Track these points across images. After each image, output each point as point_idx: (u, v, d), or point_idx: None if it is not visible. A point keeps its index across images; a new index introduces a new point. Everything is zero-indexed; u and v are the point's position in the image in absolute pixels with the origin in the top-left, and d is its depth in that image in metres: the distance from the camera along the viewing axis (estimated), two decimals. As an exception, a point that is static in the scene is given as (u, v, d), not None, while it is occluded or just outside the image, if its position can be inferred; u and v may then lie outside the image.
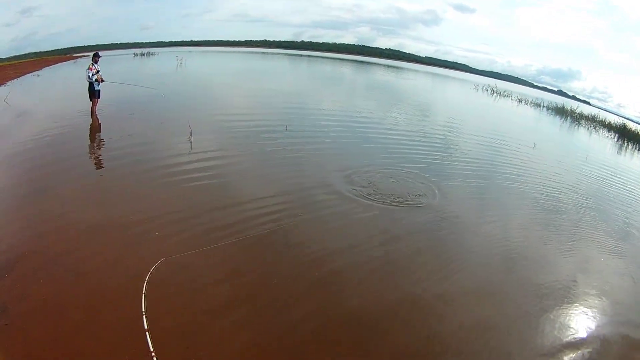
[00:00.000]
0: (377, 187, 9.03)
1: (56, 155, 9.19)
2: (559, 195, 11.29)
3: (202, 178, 8.57)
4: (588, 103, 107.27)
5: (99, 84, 12.74)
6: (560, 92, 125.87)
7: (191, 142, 10.93)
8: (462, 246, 7.34)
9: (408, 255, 6.66)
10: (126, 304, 4.45)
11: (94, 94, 12.83)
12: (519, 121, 31.33)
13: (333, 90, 29.97)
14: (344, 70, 56.22)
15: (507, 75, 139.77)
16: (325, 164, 10.64)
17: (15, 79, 25.33)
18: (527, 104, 47.35)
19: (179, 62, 33.10)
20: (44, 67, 36.09)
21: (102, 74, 12.76)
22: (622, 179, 15.82)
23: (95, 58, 12.76)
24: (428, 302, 5.42)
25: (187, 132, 11.54)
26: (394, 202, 8.41)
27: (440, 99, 37.62)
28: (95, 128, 12.11)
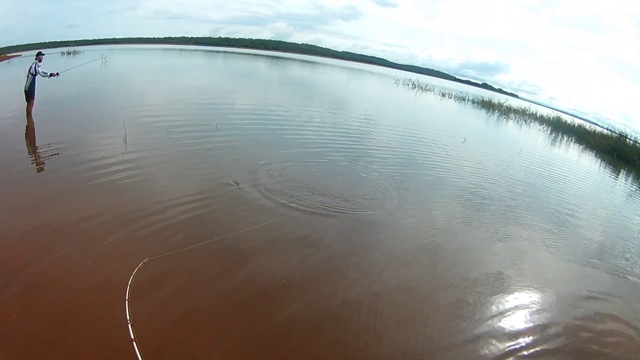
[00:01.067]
0: (295, 179, 10.19)
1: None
2: (496, 189, 12.78)
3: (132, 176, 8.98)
4: (516, 96, 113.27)
5: (35, 85, 12.82)
6: (484, 85, 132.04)
7: (126, 143, 11.36)
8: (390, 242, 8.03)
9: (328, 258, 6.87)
10: (101, 314, 4.53)
11: (31, 95, 12.79)
12: (445, 115, 32.91)
13: (248, 85, 31.25)
14: (259, 66, 56.98)
15: (428, 69, 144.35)
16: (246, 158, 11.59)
17: None
18: (451, 97, 49.28)
19: (104, 61, 33.09)
20: None
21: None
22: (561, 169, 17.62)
23: (39, 57, 12.91)
24: (360, 301, 5.72)
25: (122, 133, 11.85)
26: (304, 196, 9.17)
27: (358, 93, 39.23)
28: (30, 130, 12.19)
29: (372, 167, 12.68)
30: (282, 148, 13.17)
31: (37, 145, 11.07)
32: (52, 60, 39.07)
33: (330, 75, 58.15)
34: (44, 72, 12.68)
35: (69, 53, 50.30)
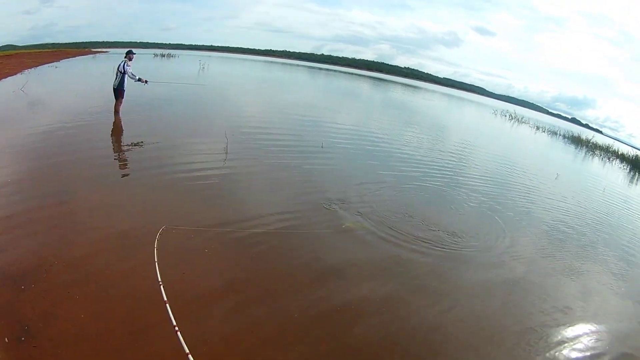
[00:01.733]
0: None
1: (79, 155, 8.55)
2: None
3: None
4: (600, 132, 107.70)
5: (124, 83, 12.12)
6: (573, 120, 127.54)
7: (227, 154, 10.25)
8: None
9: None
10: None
11: (120, 93, 12.20)
12: (538, 150, 30.98)
13: (350, 105, 30.10)
14: (362, 86, 56.46)
15: (523, 100, 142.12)
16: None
17: (33, 68, 25.22)
18: (543, 131, 47.42)
19: (201, 67, 32.80)
20: (62, 59, 35.96)
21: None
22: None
23: (130, 55, 12.11)
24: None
25: (224, 142, 10.88)
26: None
27: (459, 121, 37.54)
28: (118, 128, 11.53)
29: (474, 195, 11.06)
30: (380, 169, 11.82)
31: (123, 143, 10.38)
32: (144, 61, 40.83)
33: (432, 101, 56.41)
34: (132, 74, 12.04)
35: (162, 55, 52.04)
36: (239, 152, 10.58)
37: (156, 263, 4.36)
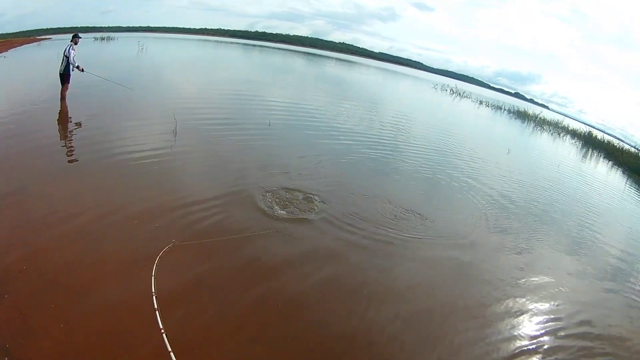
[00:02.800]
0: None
1: (27, 145, 8.14)
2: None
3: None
4: (547, 107, 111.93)
5: (70, 67, 11.65)
6: (517, 95, 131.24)
7: (175, 136, 10.14)
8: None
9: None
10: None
11: (67, 78, 11.77)
12: (485, 124, 32.18)
13: (287, 81, 29.96)
14: (297, 62, 56.20)
15: (463, 74, 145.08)
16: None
17: None
18: (487, 106, 48.25)
19: (140, 48, 31.86)
20: (9, 48, 33.86)
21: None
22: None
23: (75, 39, 11.72)
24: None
25: (172, 125, 10.69)
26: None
27: (398, 96, 38.20)
28: (64, 114, 11.06)
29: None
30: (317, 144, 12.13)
31: (70, 129, 10.00)
32: (85, 45, 39.09)
33: (368, 76, 57.15)
34: (73, 60, 11.62)
35: (102, 39, 49.67)
36: (186, 134, 10.51)
37: (154, 275, 3.96)
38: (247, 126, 12.64)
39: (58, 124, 10.26)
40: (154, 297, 3.48)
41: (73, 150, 8.43)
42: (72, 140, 9.14)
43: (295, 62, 55.50)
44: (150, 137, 9.84)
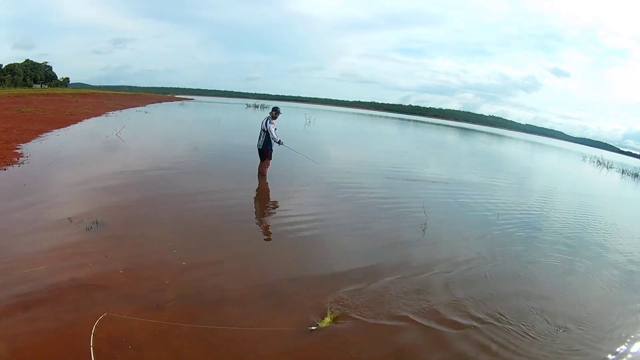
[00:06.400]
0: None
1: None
2: None
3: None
4: None
5: (271, 143, 10.72)
6: None
7: (424, 233, 8.03)
8: None
9: None
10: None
11: (267, 154, 10.85)
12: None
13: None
14: (452, 139, 52.55)
15: (597, 141, 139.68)
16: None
17: (118, 111, 25.18)
18: (626, 174, 41.82)
19: (307, 121, 32.02)
20: (146, 103, 36.58)
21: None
22: None
23: (274, 113, 10.79)
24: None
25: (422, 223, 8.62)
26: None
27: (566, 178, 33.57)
28: (263, 192, 9.96)
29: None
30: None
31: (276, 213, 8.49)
32: (238, 111, 40.93)
33: (529, 152, 51.70)
34: (275, 135, 10.69)
35: (255, 106, 52.18)
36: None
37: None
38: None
39: (256, 203, 9.07)
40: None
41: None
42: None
43: (452, 139, 52.85)
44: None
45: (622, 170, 38.67)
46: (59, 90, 46.52)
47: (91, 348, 3.31)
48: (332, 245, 6.69)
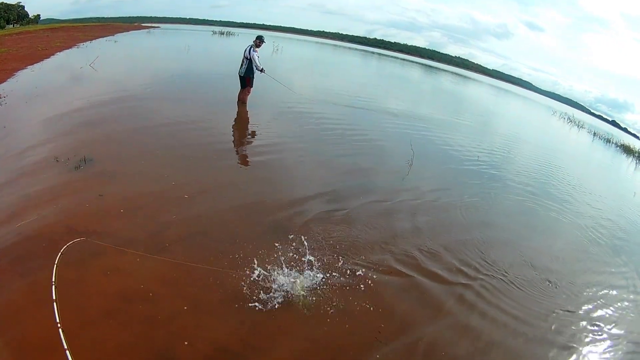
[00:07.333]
0: None
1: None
2: None
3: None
4: (638, 137, 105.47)
5: (253, 70, 10.43)
6: (613, 123, 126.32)
7: (410, 167, 8.28)
8: None
9: None
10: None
11: (248, 81, 10.56)
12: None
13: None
14: (443, 79, 52.71)
15: (567, 98, 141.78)
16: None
17: (88, 42, 24.04)
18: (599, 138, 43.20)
19: (275, 49, 31.10)
20: (115, 33, 34.85)
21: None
22: None
23: (258, 42, 10.36)
24: None
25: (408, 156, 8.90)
26: None
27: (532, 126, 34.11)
28: (242, 120, 9.93)
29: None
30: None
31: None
32: (204, 38, 39.73)
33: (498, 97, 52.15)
34: (259, 63, 10.41)
35: (221, 33, 50.69)
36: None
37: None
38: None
39: (232, 130, 9.07)
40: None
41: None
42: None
43: (439, 79, 52.54)
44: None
45: (594, 133, 39.42)
46: (31, 28, 43.65)
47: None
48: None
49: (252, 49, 10.26)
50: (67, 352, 2.49)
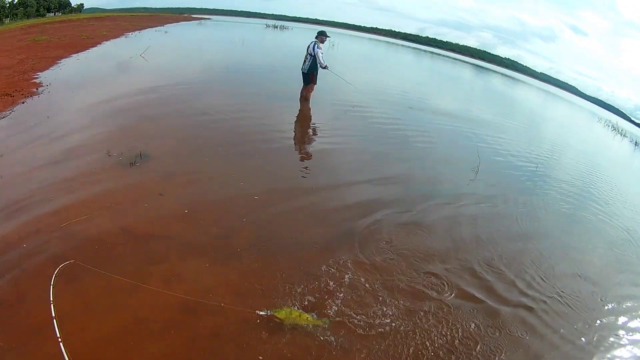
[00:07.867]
0: None
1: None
2: None
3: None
4: None
5: (316, 67, 9.90)
6: None
7: (476, 174, 7.41)
8: None
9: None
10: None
11: (312, 78, 10.12)
12: None
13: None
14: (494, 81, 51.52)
15: (610, 105, 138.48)
16: None
17: (137, 32, 24.25)
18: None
19: (331, 44, 30.50)
20: (165, 23, 35.07)
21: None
22: None
23: (322, 37, 9.89)
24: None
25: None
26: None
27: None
28: (305, 117, 9.32)
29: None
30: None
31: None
32: (259, 31, 39.58)
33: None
34: (322, 60, 9.92)
35: (275, 27, 50.44)
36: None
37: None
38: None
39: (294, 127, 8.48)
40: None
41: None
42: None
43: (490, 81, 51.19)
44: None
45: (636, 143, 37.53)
46: (74, 17, 44.87)
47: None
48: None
49: (316, 45, 9.77)
50: None
